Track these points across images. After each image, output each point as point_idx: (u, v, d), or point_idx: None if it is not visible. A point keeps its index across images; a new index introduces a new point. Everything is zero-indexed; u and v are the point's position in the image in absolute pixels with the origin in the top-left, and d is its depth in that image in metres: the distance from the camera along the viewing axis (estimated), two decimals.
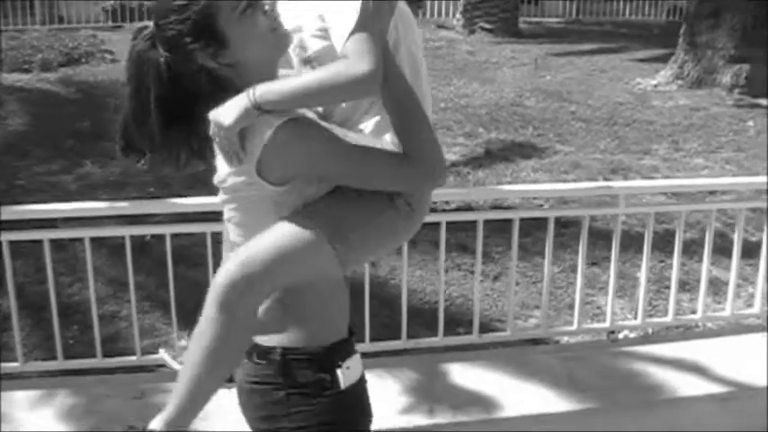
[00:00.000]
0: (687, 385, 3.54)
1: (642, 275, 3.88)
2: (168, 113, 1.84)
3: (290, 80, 1.77)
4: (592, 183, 5.37)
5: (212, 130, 1.75)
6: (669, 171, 6.61)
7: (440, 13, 16.93)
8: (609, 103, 9.03)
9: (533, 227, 4.39)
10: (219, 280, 1.73)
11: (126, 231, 3.46)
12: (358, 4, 1.78)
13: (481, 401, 3.29)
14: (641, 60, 12.10)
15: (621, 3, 19.44)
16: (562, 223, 4.63)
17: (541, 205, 5.41)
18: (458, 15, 15.07)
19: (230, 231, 1.91)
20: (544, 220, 3.66)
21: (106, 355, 3.57)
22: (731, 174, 6.59)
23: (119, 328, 4.26)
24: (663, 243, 4.63)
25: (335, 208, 1.81)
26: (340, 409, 1.86)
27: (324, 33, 1.87)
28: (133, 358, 3.57)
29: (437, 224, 3.45)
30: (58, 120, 7.95)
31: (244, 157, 1.74)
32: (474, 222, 3.57)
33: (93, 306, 3.53)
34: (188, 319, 3.64)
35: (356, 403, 1.92)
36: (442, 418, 3.15)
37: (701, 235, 4.18)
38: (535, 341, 4.00)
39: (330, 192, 1.82)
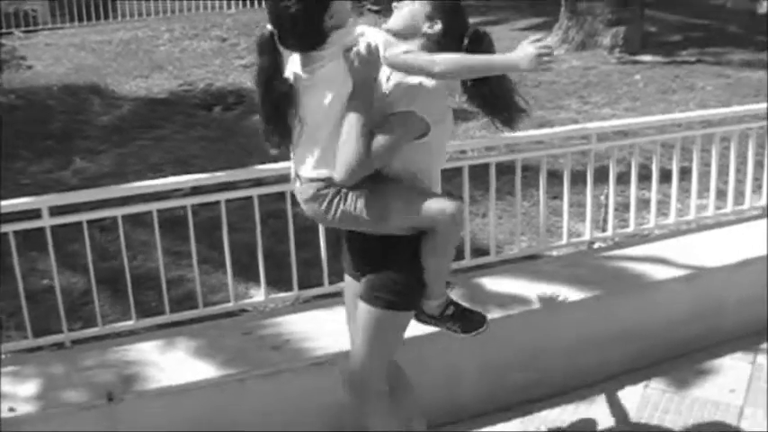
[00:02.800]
0: (658, 272, 4.65)
1: (610, 198, 4.97)
2: None
3: None
4: (571, 126, 6.38)
5: None
6: (585, 121, 7.76)
7: None
8: None
9: (501, 172, 5.29)
10: None
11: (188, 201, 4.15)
12: None
13: (517, 300, 4.28)
14: (523, 29, 13.30)
15: None
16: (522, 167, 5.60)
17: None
18: None
19: None
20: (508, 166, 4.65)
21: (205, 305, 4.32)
22: None
23: (189, 288, 4.98)
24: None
25: None
26: None
27: None
28: (230, 304, 4.35)
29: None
30: (18, 124, 8.38)
31: None
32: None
33: (195, 266, 4.29)
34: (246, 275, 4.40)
35: None
36: (496, 314, 4.11)
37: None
38: (531, 257, 5.00)
39: None
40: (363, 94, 2.80)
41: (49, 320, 4.30)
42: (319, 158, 2.89)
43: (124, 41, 13.20)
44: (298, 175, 3.01)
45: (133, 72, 10.63)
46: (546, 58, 2.64)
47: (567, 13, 11.96)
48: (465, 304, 3.27)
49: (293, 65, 2.91)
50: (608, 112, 8.24)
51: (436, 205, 2.88)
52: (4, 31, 16.87)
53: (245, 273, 4.85)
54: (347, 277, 3.32)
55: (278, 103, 2.85)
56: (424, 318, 3.21)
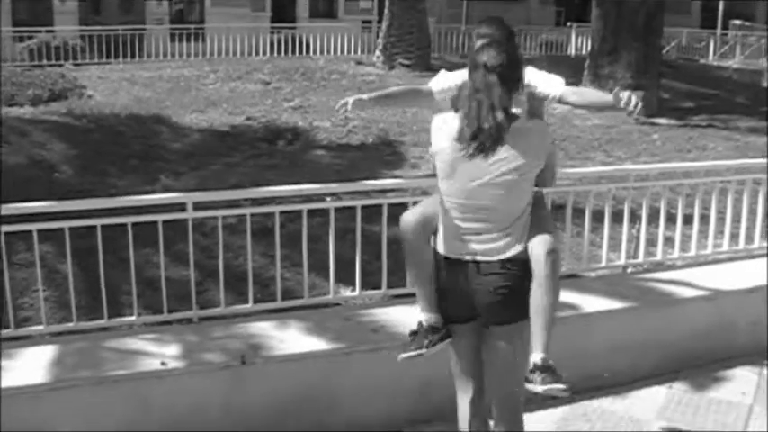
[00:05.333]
0: (682, 292, 5.54)
1: (642, 232, 5.87)
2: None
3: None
4: (611, 167, 7.30)
5: None
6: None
7: (354, 51, 18.91)
8: None
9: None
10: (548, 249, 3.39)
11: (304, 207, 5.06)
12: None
13: (568, 305, 5.15)
14: None
15: None
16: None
17: None
18: (377, 53, 17.02)
19: None
20: None
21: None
22: None
23: (285, 285, 5.79)
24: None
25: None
26: None
27: None
28: (330, 296, 5.22)
29: None
30: (96, 146, 9.28)
31: None
32: None
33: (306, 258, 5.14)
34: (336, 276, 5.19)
35: None
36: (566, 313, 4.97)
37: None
38: (572, 276, 5.85)
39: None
40: None
41: (168, 304, 5.09)
42: None
43: (174, 78, 14.17)
44: None
45: (190, 107, 11.57)
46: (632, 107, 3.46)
47: (590, 76, 13.04)
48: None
49: None
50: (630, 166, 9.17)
51: None
52: (54, 62, 17.92)
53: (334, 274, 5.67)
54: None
55: None
56: None
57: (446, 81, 3.96)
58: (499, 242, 3.46)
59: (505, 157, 3.36)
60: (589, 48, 14.47)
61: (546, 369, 3.39)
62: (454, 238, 3.53)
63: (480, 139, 3.35)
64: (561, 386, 3.39)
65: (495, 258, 3.46)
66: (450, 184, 3.49)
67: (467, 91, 3.46)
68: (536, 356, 3.41)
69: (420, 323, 3.70)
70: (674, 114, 12.80)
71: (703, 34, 26.73)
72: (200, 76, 14.55)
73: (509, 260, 3.45)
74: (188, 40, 20.86)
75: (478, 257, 3.48)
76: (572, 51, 22.46)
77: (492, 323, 3.56)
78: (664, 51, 22.62)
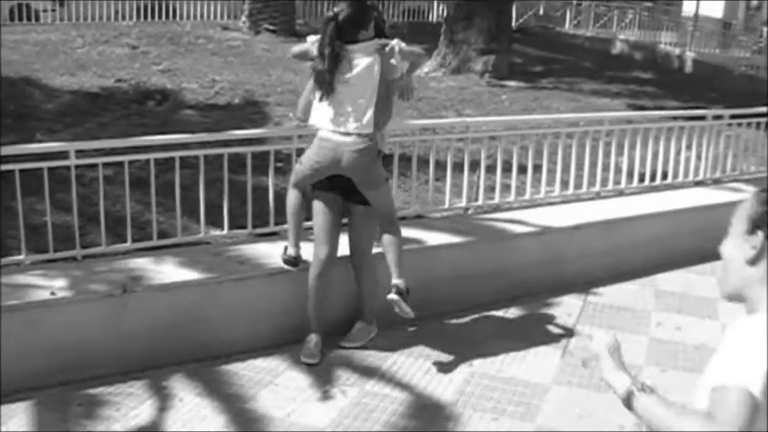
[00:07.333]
0: (516, 229, 6.35)
1: (482, 175, 6.65)
2: None
3: None
4: (456, 119, 8.08)
5: None
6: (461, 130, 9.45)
7: (221, 17, 19.16)
8: None
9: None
10: None
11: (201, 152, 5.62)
12: None
13: (415, 240, 5.86)
14: None
15: None
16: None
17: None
18: (243, 18, 17.34)
19: None
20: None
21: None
22: None
23: (160, 228, 6.25)
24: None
25: None
26: None
27: None
28: (201, 235, 5.76)
29: None
30: None
31: None
32: None
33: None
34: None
35: None
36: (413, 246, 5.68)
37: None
38: (418, 216, 6.56)
39: None
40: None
41: (54, 245, 5.46)
42: (370, 119, 4.57)
43: (40, 42, 14.14)
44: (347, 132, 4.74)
45: (59, 69, 11.70)
46: None
47: (446, 41, 13.85)
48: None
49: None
50: None
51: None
52: None
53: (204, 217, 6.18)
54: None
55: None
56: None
57: None
58: None
59: None
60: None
61: None
62: None
63: None
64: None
65: None
66: None
67: None
68: None
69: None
70: (523, 77, 13.77)
71: (559, 4, 28.02)
72: (67, 41, 14.53)
73: None
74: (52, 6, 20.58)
75: None
76: (434, 18, 23.28)
77: None
78: (521, 19, 23.82)
